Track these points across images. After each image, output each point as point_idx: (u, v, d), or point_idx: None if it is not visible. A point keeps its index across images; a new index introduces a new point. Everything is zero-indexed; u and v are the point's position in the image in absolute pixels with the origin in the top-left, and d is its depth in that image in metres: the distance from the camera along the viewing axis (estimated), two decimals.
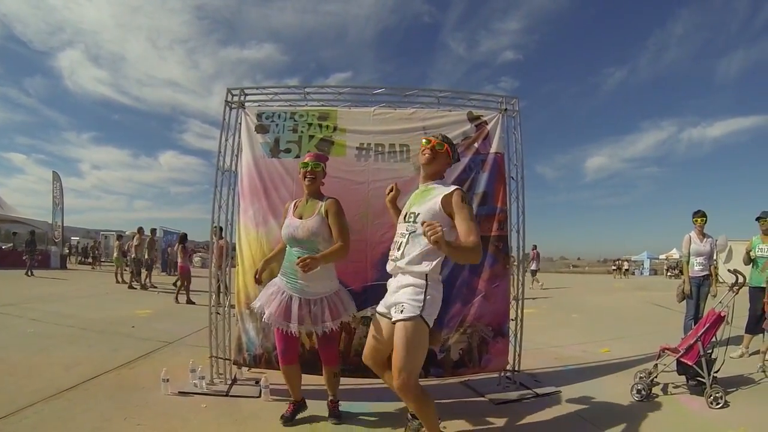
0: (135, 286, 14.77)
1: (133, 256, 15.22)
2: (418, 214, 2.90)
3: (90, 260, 29.87)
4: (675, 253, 46.24)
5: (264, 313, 3.41)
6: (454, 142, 3.93)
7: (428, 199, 2.93)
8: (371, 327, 3.20)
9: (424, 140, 3.17)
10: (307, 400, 3.80)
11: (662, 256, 50.75)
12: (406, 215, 3.03)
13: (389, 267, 3.07)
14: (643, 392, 4.37)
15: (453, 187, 2.90)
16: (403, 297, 2.84)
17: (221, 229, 4.72)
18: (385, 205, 3.77)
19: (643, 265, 49.41)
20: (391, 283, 3.05)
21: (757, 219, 6.37)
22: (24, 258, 18.74)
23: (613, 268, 45.01)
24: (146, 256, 15.26)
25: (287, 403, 3.75)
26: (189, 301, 11.39)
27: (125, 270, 16.67)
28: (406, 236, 2.93)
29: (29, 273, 17.99)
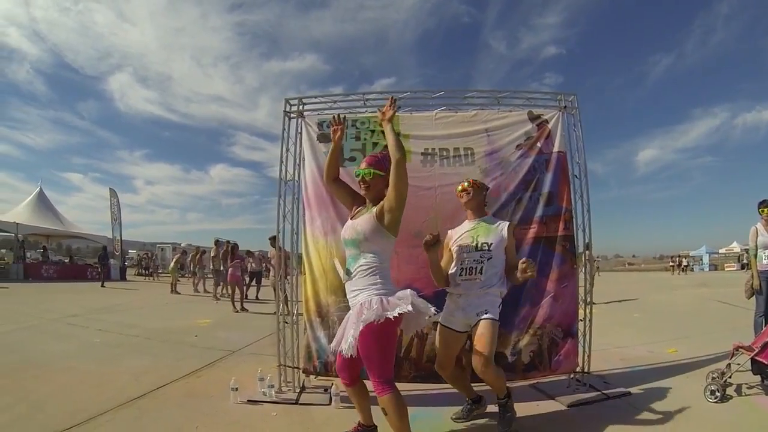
0: (219, 297, 14.82)
1: (212, 267, 15.65)
2: (492, 243, 3.61)
3: (148, 272, 30.66)
4: (736, 247, 45.09)
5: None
6: (518, 143, 4.11)
7: (496, 232, 3.66)
8: (439, 339, 3.73)
9: (458, 187, 3.85)
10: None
11: (722, 251, 49.46)
12: (477, 246, 3.63)
13: (466, 285, 3.64)
14: (717, 393, 4.19)
15: (508, 223, 3.78)
16: (485, 304, 3.51)
17: (275, 238, 4.78)
18: (453, 209, 3.92)
19: (702, 260, 48.24)
20: (465, 301, 3.62)
21: None
22: (99, 271, 21.38)
23: (672, 264, 44.14)
24: (221, 268, 15.64)
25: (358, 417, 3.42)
26: (241, 309, 11.60)
27: (179, 281, 17.44)
28: (484, 262, 3.58)
29: (103, 284, 19.50)
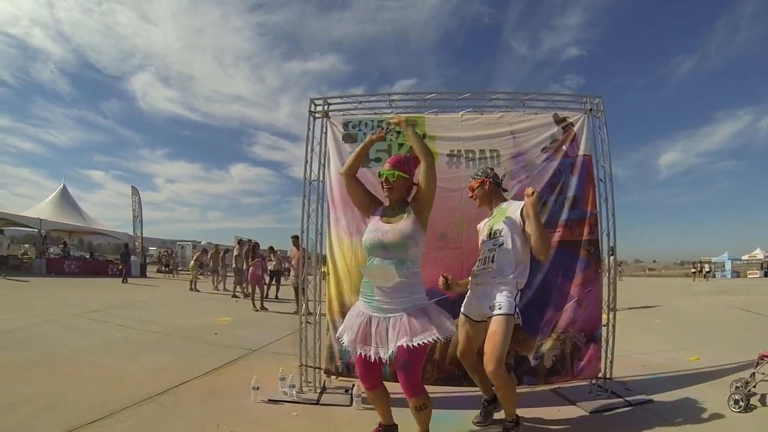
0: (238, 296, 14.99)
1: (234, 266, 15.76)
2: (502, 229, 3.48)
3: (168, 269, 30.97)
4: (759, 253, 44.37)
5: (345, 341, 3.17)
6: (543, 146, 4.09)
7: (507, 216, 3.53)
8: (459, 328, 3.60)
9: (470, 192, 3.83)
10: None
11: (745, 257, 48.58)
12: (490, 233, 3.57)
13: (481, 275, 3.58)
14: (741, 403, 4.07)
15: (523, 203, 3.44)
16: (500, 297, 3.36)
17: (297, 237, 4.78)
18: (479, 211, 3.89)
19: (724, 266, 47.08)
20: (481, 291, 3.55)
21: None
22: (120, 267, 21.94)
23: (693, 270, 43.41)
24: (243, 266, 15.78)
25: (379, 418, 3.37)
26: (261, 308, 11.61)
27: (198, 278, 17.71)
28: (497, 249, 3.47)
29: (125, 280, 20.06)
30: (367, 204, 3.32)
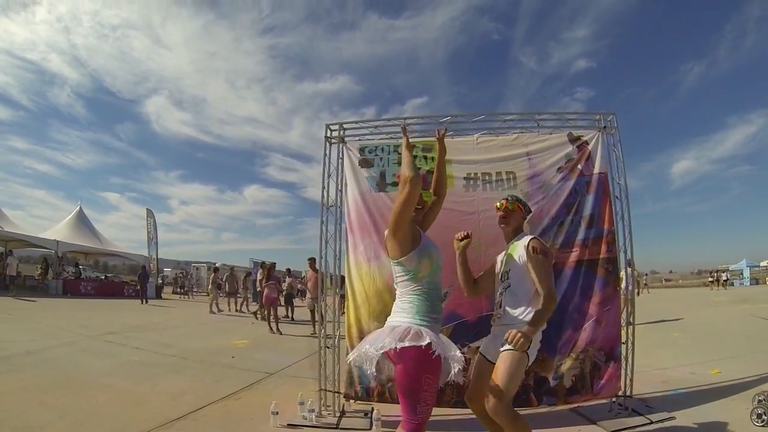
0: (258, 318, 14.86)
1: (259, 289, 15.71)
2: (509, 270, 3.23)
3: (183, 290, 31.03)
4: None
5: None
6: (559, 166, 4.01)
7: (515, 258, 3.21)
8: (474, 370, 3.30)
9: (496, 204, 3.45)
10: None
11: (764, 263, 47.67)
12: (501, 276, 3.32)
13: (494, 318, 3.34)
14: (764, 417, 4.00)
15: (528, 237, 3.22)
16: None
17: (314, 260, 4.77)
18: (497, 234, 3.80)
19: (742, 274, 45.86)
20: (492, 330, 3.33)
21: None
22: (138, 288, 22.34)
23: (710, 279, 42.39)
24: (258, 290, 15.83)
25: None
26: (277, 330, 11.33)
27: (216, 300, 17.66)
28: (505, 294, 3.23)
29: (144, 301, 20.46)
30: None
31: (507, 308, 3.16)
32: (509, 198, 3.43)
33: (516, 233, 3.37)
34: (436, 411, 3.84)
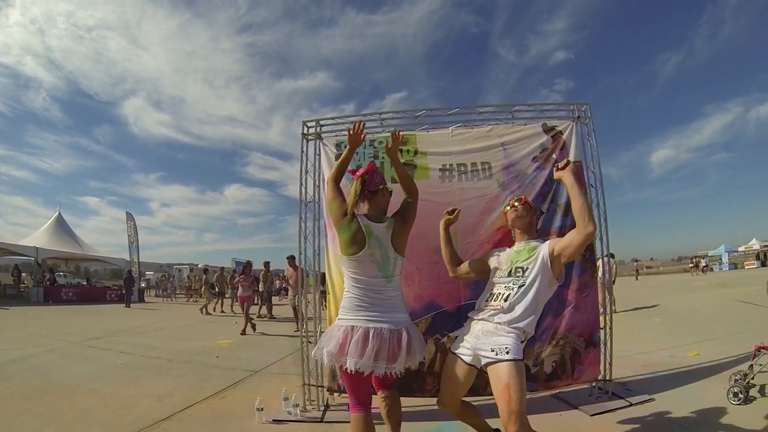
0: (274, 316, 15.01)
1: (262, 289, 15.76)
2: (527, 269, 3.05)
3: (166, 293, 30.95)
4: (755, 244, 44.69)
5: None
6: (534, 156, 4.11)
7: (536, 257, 3.07)
8: (446, 370, 3.17)
9: (507, 206, 3.45)
10: None
11: (741, 248, 48.71)
12: (511, 270, 3.13)
13: (486, 312, 3.09)
14: (740, 395, 4.18)
15: (548, 241, 3.16)
16: (506, 341, 2.87)
17: (293, 257, 4.81)
18: (473, 224, 3.89)
19: (721, 259, 47.23)
20: (481, 328, 3.05)
21: None
22: (123, 293, 22.50)
23: (690, 265, 43.88)
24: (261, 288, 15.83)
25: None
26: (250, 328, 11.10)
27: (211, 302, 17.82)
28: (515, 289, 3.02)
29: (128, 305, 20.57)
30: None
31: (515, 307, 2.97)
32: (519, 197, 3.47)
33: (529, 229, 3.33)
34: (418, 401, 3.94)
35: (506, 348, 2.82)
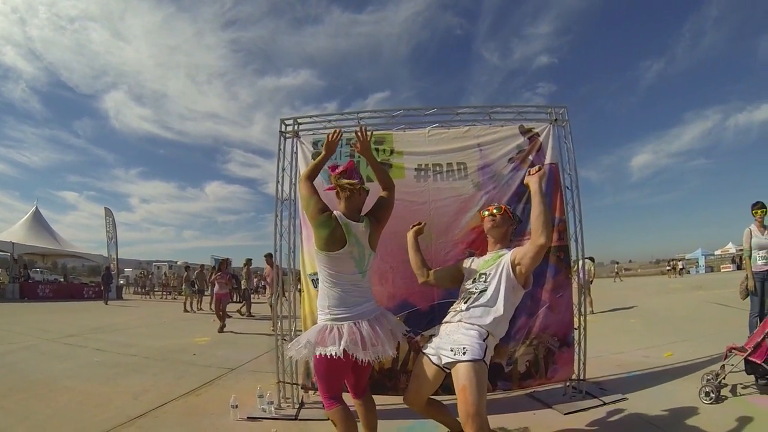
0: (252, 315, 15.00)
1: (244, 287, 15.83)
2: (489, 274, 3.16)
3: (145, 290, 30.85)
4: (731, 248, 45.58)
5: None
6: (510, 157, 4.17)
7: (498, 262, 3.17)
8: (414, 369, 3.25)
9: (485, 212, 3.50)
10: None
11: (718, 252, 49.82)
12: (475, 277, 3.23)
13: (450, 315, 3.22)
14: (711, 394, 4.30)
15: (511, 250, 3.21)
16: (464, 339, 2.94)
17: (271, 255, 4.83)
18: (447, 224, 3.95)
19: (698, 262, 48.77)
20: (445, 329, 3.16)
21: None
22: (102, 290, 22.46)
23: (668, 268, 44.83)
24: (243, 286, 15.95)
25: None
26: (221, 329, 10.97)
27: (193, 298, 17.89)
28: (476, 293, 3.12)
29: (106, 302, 20.64)
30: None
31: (474, 309, 3.07)
32: (499, 206, 3.51)
33: (503, 242, 3.40)
34: (392, 399, 4.00)
35: (464, 348, 2.88)
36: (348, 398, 3.11)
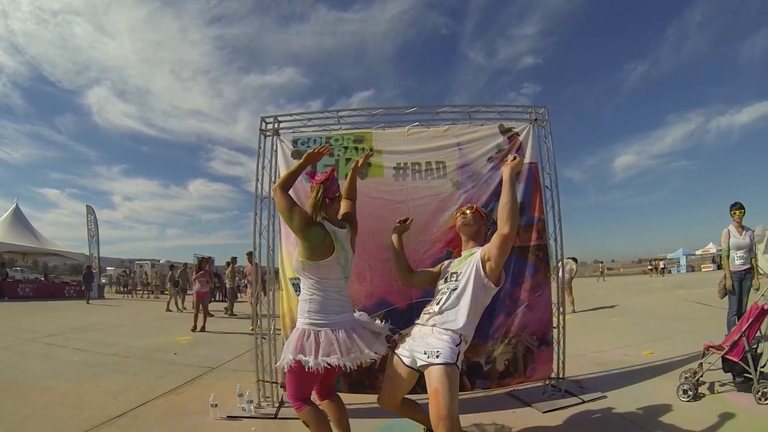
0: (235, 314, 14.97)
1: (229, 286, 15.80)
2: (460, 273, 3.17)
3: (126, 289, 30.62)
4: (712, 248, 46.32)
5: None
6: (489, 156, 4.22)
7: (469, 261, 3.18)
8: (388, 370, 3.26)
9: (458, 211, 3.55)
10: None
11: (699, 252, 50.59)
12: (447, 276, 3.27)
13: (423, 317, 3.23)
14: (689, 392, 4.40)
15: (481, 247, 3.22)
16: (438, 343, 2.95)
17: (252, 253, 4.84)
18: (426, 222, 3.99)
19: (679, 262, 49.62)
20: (419, 331, 3.18)
21: None
22: (83, 289, 22.44)
23: (650, 267, 45.84)
24: (228, 285, 15.88)
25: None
26: (201, 329, 10.99)
27: (178, 298, 17.75)
28: (447, 293, 3.13)
29: (87, 301, 20.55)
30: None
31: (447, 311, 3.08)
32: (471, 206, 3.54)
33: (476, 240, 3.40)
34: (371, 398, 4.03)
35: (437, 352, 2.89)
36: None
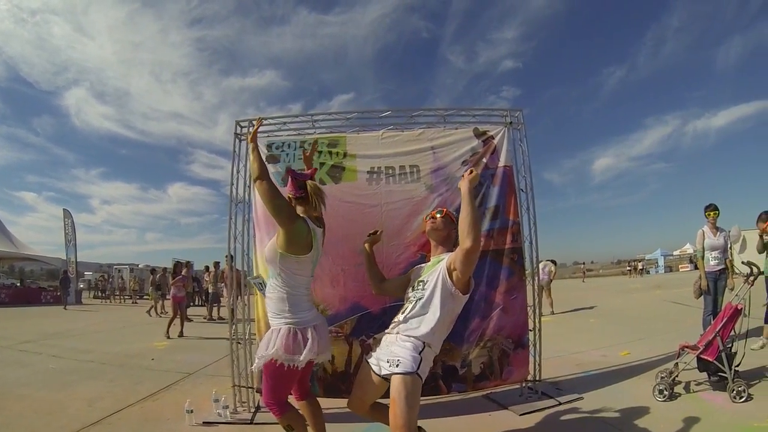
0: (213, 318, 15.12)
1: (211, 290, 15.77)
2: (427, 281, 3.15)
3: (104, 294, 30.39)
4: (689, 248, 47.17)
5: None
6: (463, 159, 4.28)
7: (435, 269, 3.16)
8: (359, 375, 3.30)
9: (428, 217, 3.55)
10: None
11: (676, 252, 51.43)
12: (414, 285, 3.26)
13: (390, 327, 3.25)
14: (665, 392, 4.52)
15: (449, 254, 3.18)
16: (399, 351, 2.97)
17: (232, 257, 4.86)
18: (399, 226, 4.06)
19: (657, 263, 50.56)
20: (386, 339, 3.23)
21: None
22: (59, 294, 22.57)
23: (628, 268, 46.83)
24: (211, 290, 15.82)
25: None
26: (180, 334, 10.95)
27: (159, 301, 17.68)
28: (414, 302, 3.13)
29: (65, 307, 20.55)
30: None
31: (411, 320, 3.09)
32: (441, 209, 3.55)
33: (445, 245, 3.38)
34: (344, 402, 4.06)
35: (398, 360, 2.91)
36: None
